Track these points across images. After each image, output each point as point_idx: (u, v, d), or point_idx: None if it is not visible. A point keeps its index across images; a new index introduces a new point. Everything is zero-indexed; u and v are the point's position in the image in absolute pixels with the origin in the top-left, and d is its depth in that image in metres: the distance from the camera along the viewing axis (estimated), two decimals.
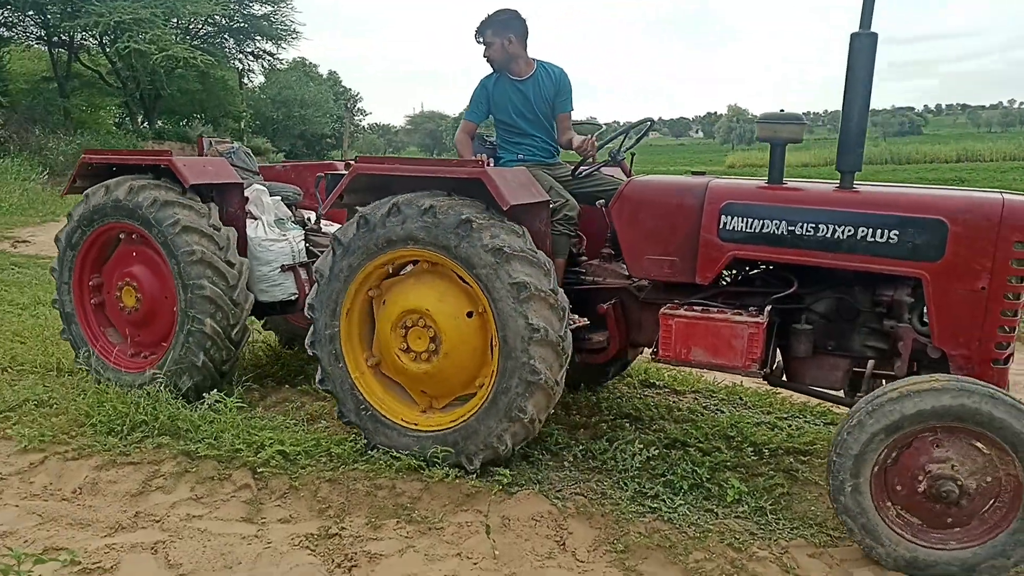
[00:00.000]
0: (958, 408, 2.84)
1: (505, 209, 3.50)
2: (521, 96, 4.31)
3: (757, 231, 3.46)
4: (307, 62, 49.93)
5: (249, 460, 3.75)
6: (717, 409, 4.80)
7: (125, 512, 3.40)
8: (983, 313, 3.15)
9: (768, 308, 3.48)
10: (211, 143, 5.64)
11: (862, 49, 3.27)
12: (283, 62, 38.57)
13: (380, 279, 3.88)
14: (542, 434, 4.14)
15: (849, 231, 3.30)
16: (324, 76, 53.06)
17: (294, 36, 35.06)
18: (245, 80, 38.21)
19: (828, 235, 3.33)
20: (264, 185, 5.18)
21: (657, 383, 5.21)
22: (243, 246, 4.74)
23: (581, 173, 4.24)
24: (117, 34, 25.84)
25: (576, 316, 3.84)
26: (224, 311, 4.43)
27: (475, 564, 3.04)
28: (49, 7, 26.08)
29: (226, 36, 34.66)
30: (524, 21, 4.27)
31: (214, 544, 3.14)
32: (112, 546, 3.09)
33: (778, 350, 3.76)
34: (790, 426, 4.48)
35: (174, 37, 27.49)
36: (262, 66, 37.81)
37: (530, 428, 3.62)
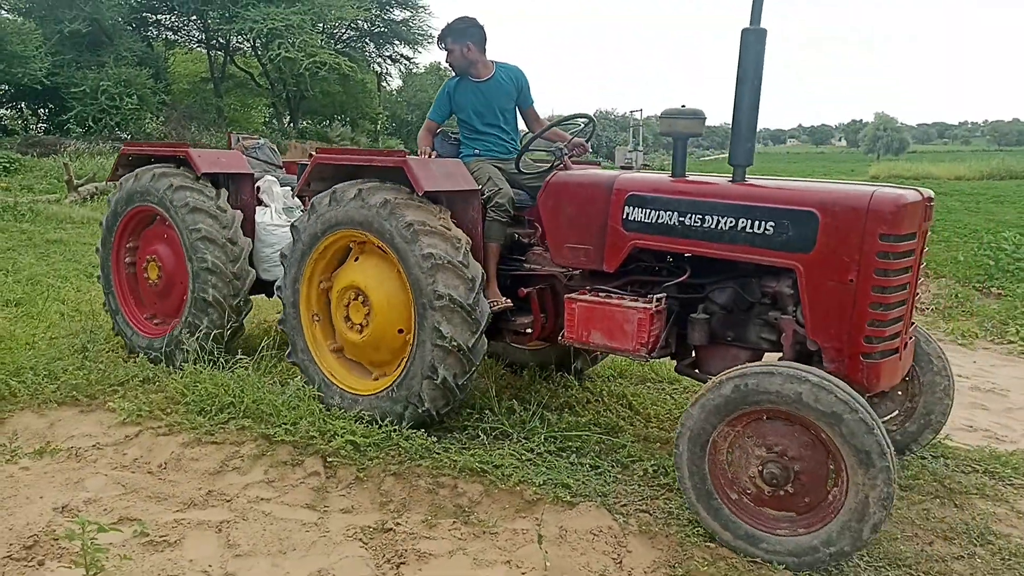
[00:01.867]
0: (784, 393, 2.88)
1: (421, 194, 3.93)
2: (481, 96, 4.58)
3: (654, 221, 3.61)
4: (442, 66, 51.29)
5: (321, 448, 3.83)
6: None
7: (200, 489, 3.54)
8: (852, 305, 3.14)
9: (661, 296, 3.62)
10: (239, 139, 6.15)
11: (752, 45, 3.31)
12: (419, 66, 39.93)
13: (328, 271, 4.42)
14: (614, 445, 4.00)
15: (731, 222, 3.39)
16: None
17: (430, 40, 36.16)
18: (383, 83, 39.71)
19: (713, 226, 3.44)
20: (278, 176, 5.67)
21: None
22: (251, 230, 5.28)
23: (523, 166, 4.46)
24: (269, 39, 27.48)
25: (503, 299, 4.16)
26: (220, 247, 4.92)
27: (523, 574, 2.94)
28: (209, 12, 28.13)
29: (367, 40, 36.23)
30: (482, 28, 4.56)
31: (274, 528, 3.22)
32: (181, 521, 3.23)
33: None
34: None
35: (319, 41, 28.93)
36: (399, 70, 39.26)
37: (459, 357, 3.86)
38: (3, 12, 25.44)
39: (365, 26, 34.85)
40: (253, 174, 5.39)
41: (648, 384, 5.13)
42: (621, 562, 3.05)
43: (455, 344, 3.82)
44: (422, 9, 35.33)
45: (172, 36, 32.89)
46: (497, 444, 3.98)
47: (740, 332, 3.66)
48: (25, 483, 3.50)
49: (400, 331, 4.10)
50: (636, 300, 3.61)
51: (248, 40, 30.37)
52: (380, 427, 3.98)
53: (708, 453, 3.11)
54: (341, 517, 3.35)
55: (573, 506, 3.39)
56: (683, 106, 3.64)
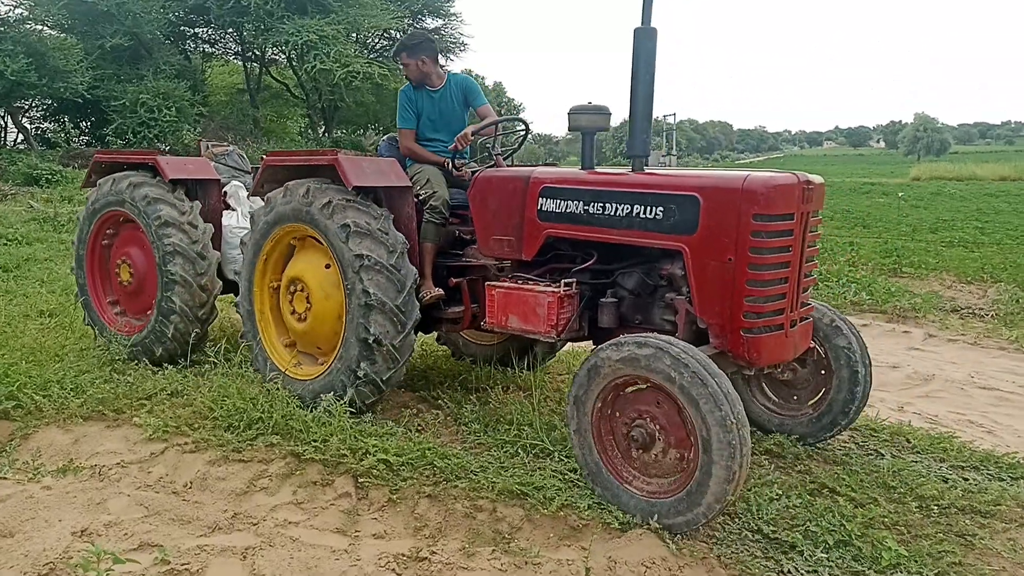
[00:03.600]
0: (633, 359, 3.09)
1: (350, 188, 4.17)
2: (433, 105, 4.84)
3: (563, 211, 3.85)
4: (474, 73, 51.37)
5: (352, 467, 3.62)
6: (876, 451, 4.14)
7: (226, 512, 3.36)
8: (731, 283, 3.29)
9: (571, 281, 3.83)
10: (207, 146, 6.38)
11: (644, 43, 3.51)
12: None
13: (277, 268, 4.67)
14: None
15: (627, 208, 3.60)
16: (490, 87, 54.33)
17: (462, 48, 36.14)
18: None
19: (612, 213, 3.65)
20: (244, 182, 5.88)
21: None
22: (219, 234, 5.46)
23: (458, 167, 4.65)
24: (304, 50, 27.64)
25: (436, 289, 4.37)
26: (190, 261, 5.07)
27: None
28: (245, 25, 28.38)
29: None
30: (434, 42, 4.90)
31: (303, 556, 3.01)
32: (204, 547, 3.03)
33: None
34: (967, 480, 3.76)
35: (353, 51, 29.01)
36: None
37: (385, 354, 4.08)
38: (46, 28, 25.90)
39: (398, 35, 34.92)
40: (220, 180, 5.59)
41: None
42: None
43: (382, 302, 4.01)
44: (454, 17, 35.36)
45: (209, 49, 33.32)
46: (538, 463, 3.74)
47: (647, 315, 3.82)
48: (45, 504, 3.33)
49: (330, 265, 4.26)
50: (548, 285, 3.83)
51: (283, 52, 30.60)
52: (414, 443, 3.78)
53: (593, 426, 3.32)
54: (373, 544, 3.14)
55: (623, 533, 3.13)
56: (589, 103, 3.87)
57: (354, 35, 31.90)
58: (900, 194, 24.66)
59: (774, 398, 4.23)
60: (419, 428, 4.25)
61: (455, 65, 46.66)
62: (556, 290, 3.75)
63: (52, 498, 3.41)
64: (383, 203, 4.34)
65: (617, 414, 3.31)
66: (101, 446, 3.97)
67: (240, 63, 34.07)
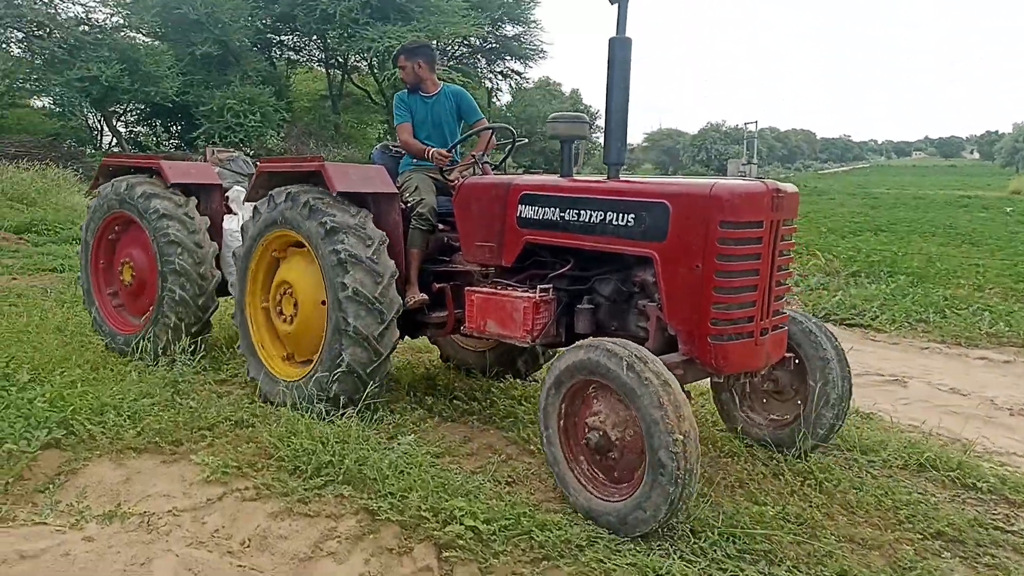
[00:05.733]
0: (587, 363, 3.11)
1: (334, 194, 4.23)
2: (426, 110, 4.94)
3: (541, 218, 3.84)
4: (551, 81, 50.91)
5: (434, 533, 3.05)
6: None
7: None
8: (699, 290, 3.26)
9: (547, 287, 3.82)
10: (213, 151, 6.60)
11: (619, 52, 3.51)
12: (529, 81, 39.44)
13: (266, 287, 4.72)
14: (815, 550, 3.02)
15: (600, 216, 3.59)
16: (567, 94, 53.71)
17: (542, 55, 35.70)
18: (494, 98, 39.50)
19: (587, 220, 3.65)
20: (247, 187, 5.59)
21: (977, 484, 3.79)
22: (220, 238, 5.51)
23: (450, 175, 4.64)
24: (386, 56, 27.65)
25: (421, 295, 4.39)
26: (188, 251, 5.15)
27: None
28: (329, 32, 28.60)
29: (479, 57, 36.10)
30: (433, 51, 5.07)
31: None
32: None
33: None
34: None
35: None
36: (510, 85, 38.90)
37: (366, 346, 4.06)
38: (140, 36, 26.64)
39: (478, 42, 34.72)
40: (221, 185, 5.67)
41: (835, 454, 4.08)
42: None
43: (361, 294, 4.02)
44: (534, 24, 34.95)
45: (294, 56, 33.81)
46: (656, 539, 3.09)
47: (622, 321, 3.78)
48: (81, 563, 2.88)
49: (323, 302, 4.23)
50: (525, 291, 3.85)
51: (365, 59, 30.73)
52: (506, 504, 3.20)
53: (560, 429, 3.31)
54: None
55: None
56: (571, 110, 3.52)
57: (434, 42, 31.80)
58: (1008, 209, 22.89)
59: (760, 411, 4.09)
60: (509, 480, 3.66)
61: (533, 72, 46.41)
62: (532, 296, 3.78)
63: (91, 555, 2.95)
64: (371, 209, 4.35)
65: (576, 419, 3.30)
66: (153, 487, 3.52)
67: (323, 70, 34.48)
